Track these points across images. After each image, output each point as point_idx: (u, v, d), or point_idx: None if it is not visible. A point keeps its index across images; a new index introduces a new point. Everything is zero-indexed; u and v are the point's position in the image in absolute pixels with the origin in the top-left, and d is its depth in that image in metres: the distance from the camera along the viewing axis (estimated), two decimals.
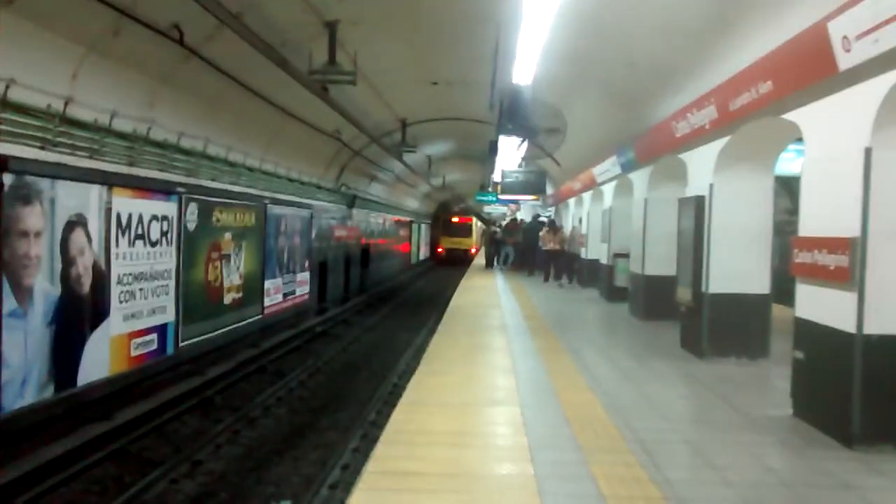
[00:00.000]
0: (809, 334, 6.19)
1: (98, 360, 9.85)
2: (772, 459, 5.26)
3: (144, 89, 10.63)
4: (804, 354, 6.29)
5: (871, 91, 5.31)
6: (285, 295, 18.18)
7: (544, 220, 26.26)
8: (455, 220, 48.10)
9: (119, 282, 10.33)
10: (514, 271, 25.73)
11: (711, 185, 9.09)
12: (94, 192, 9.68)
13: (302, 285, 19.67)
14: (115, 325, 10.25)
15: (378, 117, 19.83)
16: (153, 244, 11.30)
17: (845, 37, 5.18)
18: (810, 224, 6.23)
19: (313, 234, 20.58)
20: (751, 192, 8.98)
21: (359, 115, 16.84)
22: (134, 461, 9.09)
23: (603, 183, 16.84)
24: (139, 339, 10.96)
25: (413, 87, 18.12)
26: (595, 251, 18.69)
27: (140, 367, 11.02)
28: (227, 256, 14.39)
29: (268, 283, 16.82)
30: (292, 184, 18.27)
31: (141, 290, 10.96)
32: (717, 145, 8.88)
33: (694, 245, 9.41)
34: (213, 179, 13.54)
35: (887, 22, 4.60)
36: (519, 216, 33.91)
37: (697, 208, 9.33)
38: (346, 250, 25.16)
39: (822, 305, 5.98)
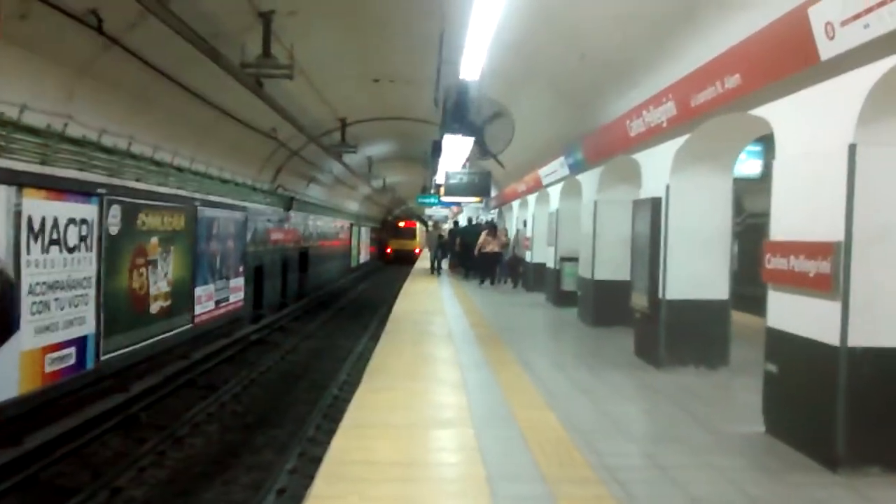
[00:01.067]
0: (784, 346, 5.74)
1: (6, 378, 8.94)
2: (752, 486, 4.77)
3: (60, 81, 9.74)
4: (777, 368, 5.85)
5: (856, 83, 4.88)
6: (218, 302, 17.30)
7: (482, 223, 25.97)
8: (402, 224, 55.38)
9: (31, 291, 9.43)
10: (451, 274, 25.27)
11: (668, 187, 8.66)
12: (0, 193, 8.77)
13: (236, 291, 18.79)
14: (26, 339, 9.35)
15: (316, 115, 19.07)
16: (70, 250, 10.40)
17: (829, 23, 4.73)
18: (784, 227, 5.79)
19: (248, 238, 19.70)
20: (709, 194, 8.58)
21: (296, 113, 16.08)
22: (43, 491, 8.22)
23: (549, 185, 16.41)
24: (54, 354, 10.06)
25: (354, 84, 17.44)
26: (541, 255, 18.26)
27: (56, 383, 10.12)
28: (154, 262, 13.50)
29: (199, 290, 15.93)
30: (225, 185, 17.39)
31: (56, 300, 10.06)
32: (675, 144, 8.46)
33: (650, 249, 8.97)
34: (138, 180, 12.65)
35: (883, 3, 4.15)
36: (461, 219, 33.41)
37: (653, 211, 8.90)
38: (283, 254, 24.29)
39: (799, 315, 5.54)
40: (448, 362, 8.99)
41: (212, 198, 16.53)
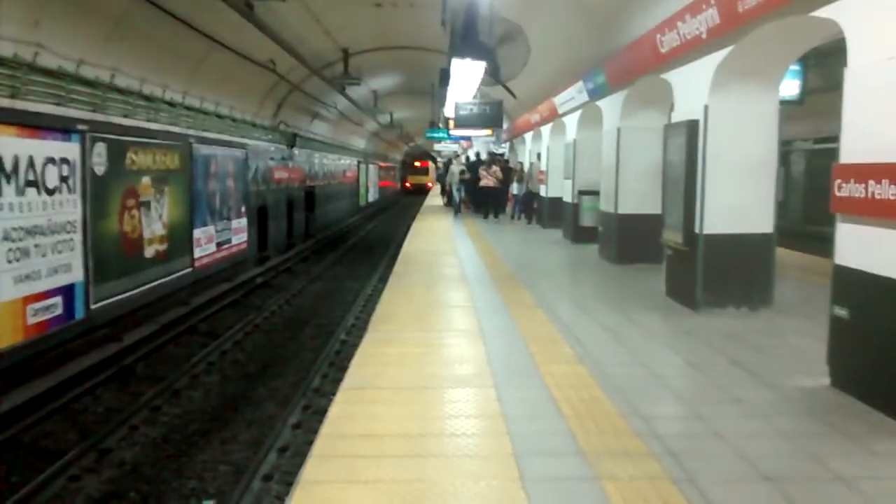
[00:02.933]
0: (859, 287, 4.88)
1: None
2: (835, 459, 3.95)
3: (23, 4, 8.76)
4: (849, 312, 5.00)
5: None
6: (219, 244, 16.53)
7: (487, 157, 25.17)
8: (417, 164, 67.07)
9: (6, 237, 8.64)
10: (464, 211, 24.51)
11: (706, 108, 7.69)
12: None
13: (238, 233, 18.00)
14: (3, 289, 8.59)
15: (317, 46, 17.97)
16: (50, 192, 9.58)
17: None
18: (862, 147, 4.86)
19: (250, 177, 18.80)
20: (754, 115, 7.61)
21: (295, 43, 15.02)
22: (25, 453, 7.55)
23: (565, 113, 15.38)
24: (37, 304, 9.33)
25: (355, 10, 16.32)
26: (556, 189, 17.32)
27: (40, 336, 9.40)
28: (147, 203, 12.67)
29: (197, 232, 15.14)
30: (222, 120, 16.45)
31: (37, 246, 9.27)
32: (714, 59, 7.46)
33: (685, 179, 8.04)
34: (125, 116, 11.73)
35: None
36: (471, 153, 32.27)
37: (689, 135, 7.94)
38: (288, 193, 23.41)
39: (880, 251, 4.65)
40: (462, 307, 8.19)
41: (208, 135, 15.60)
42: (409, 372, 5.53)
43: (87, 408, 9.06)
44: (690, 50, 7.75)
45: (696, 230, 7.87)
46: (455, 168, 23.47)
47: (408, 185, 66.84)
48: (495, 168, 21.72)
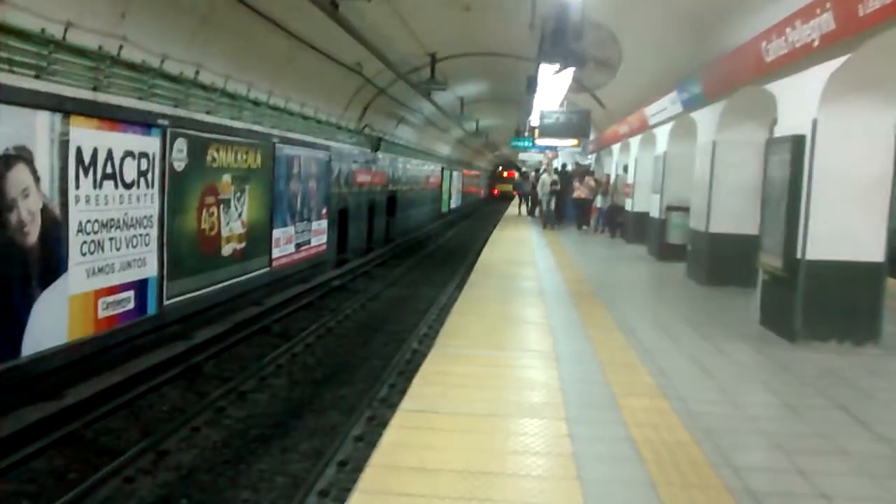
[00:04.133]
0: None
1: (52, 324, 8.20)
2: None
3: None
4: None
5: None
6: (298, 245, 16.46)
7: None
8: (505, 174, 73.64)
9: (81, 230, 8.62)
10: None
11: (815, 122, 7.05)
12: (43, 119, 7.89)
13: (318, 235, 17.92)
14: (75, 281, 8.56)
15: (404, 50, 17.77)
16: (128, 186, 9.56)
17: None
18: None
19: (332, 179, 18.73)
20: (868, 131, 6.94)
21: (382, 47, 14.82)
22: (86, 450, 7.45)
23: (657, 125, 14.71)
24: (110, 298, 9.30)
25: (443, 12, 16.00)
26: (643, 203, 16.62)
27: (111, 330, 9.37)
28: (227, 201, 12.63)
29: (277, 233, 15.08)
30: (307, 122, 16.38)
31: (112, 239, 9.25)
32: (827, 69, 6.82)
33: (788, 198, 7.38)
34: (207, 112, 11.71)
35: None
36: (556, 164, 31.66)
37: (794, 151, 7.29)
38: (370, 197, 23.32)
39: None
40: (538, 325, 7.75)
41: (292, 135, 15.56)
42: (475, 395, 5.13)
43: (153, 405, 8.97)
44: (799, 59, 7.10)
45: (798, 255, 7.21)
46: (546, 178, 22.84)
47: (495, 192, 75.53)
48: (588, 179, 21.23)
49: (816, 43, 6.65)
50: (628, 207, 18.45)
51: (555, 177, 23.33)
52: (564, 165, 27.57)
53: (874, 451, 4.39)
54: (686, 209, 12.92)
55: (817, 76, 6.97)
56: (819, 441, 4.54)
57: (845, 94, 6.84)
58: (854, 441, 4.53)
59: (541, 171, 30.00)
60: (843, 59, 6.53)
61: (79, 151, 8.47)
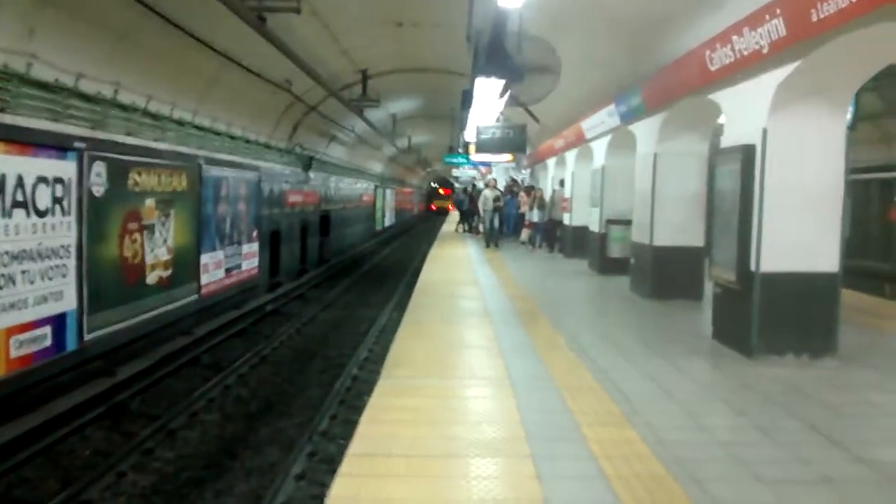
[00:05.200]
0: None
1: None
2: None
3: (14, 12, 8.09)
4: None
5: None
6: (228, 270, 15.78)
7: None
8: (441, 191, 77.66)
9: None
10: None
11: (765, 131, 6.88)
12: None
13: (249, 258, 17.25)
14: None
15: (335, 67, 17.32)
16: (41, 214, 8.86)
17: None
18: None
19: (262, 200, 18.09)
20: (819, 140, 6.80)
21: (312, 63, 14.34)
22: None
23: (594, 138, 14.59)
24: (23, 336, 8.58)
25: (374, 28, 15.63)
26: (582, 217, 16.46)
27: (26, 370, 8.64)
28: (151, 227, 11.94)
29: (205, 258, 14.40)
30: (234, 142, 15.78)
31: (24, 272, 8.54)
32: (775, 77, 6.66)
33: (740, 210, 7.19)
34: (128, 134, 11.04)
35: None
36: (489, 178, 31.46)
37: (744, 162, 7.11)
38: (302, 217, 22.70)
39: None
40: (486, 349, 7.37)
41: (219, 156, 14.92)
42: (428, 433, 4.70)
43: (74, 449, 8.27)
44: (747, 66, 6.94)
45: (752, 267, 7.02)
46: (489, 194, 21.92)
47: (433, 207, 79.54)
48: (536, 191, 21.34)
49: (766, 50, 6.48)
50: (566, 222, 18.29)
51: (497, 192, 22.69)
52: (513, 180, 27.42)
53: (858, 477, 4.13)
54: (626, 222, 12.78)
55: (766, 84, 6.81)
56: (799, 468, 4.26)
57: (795, 101, 6.69)
58: (835, 466, 4.26)
59: (479, 186, 29.66)
60: (792, 65, 6.37)
61: None
